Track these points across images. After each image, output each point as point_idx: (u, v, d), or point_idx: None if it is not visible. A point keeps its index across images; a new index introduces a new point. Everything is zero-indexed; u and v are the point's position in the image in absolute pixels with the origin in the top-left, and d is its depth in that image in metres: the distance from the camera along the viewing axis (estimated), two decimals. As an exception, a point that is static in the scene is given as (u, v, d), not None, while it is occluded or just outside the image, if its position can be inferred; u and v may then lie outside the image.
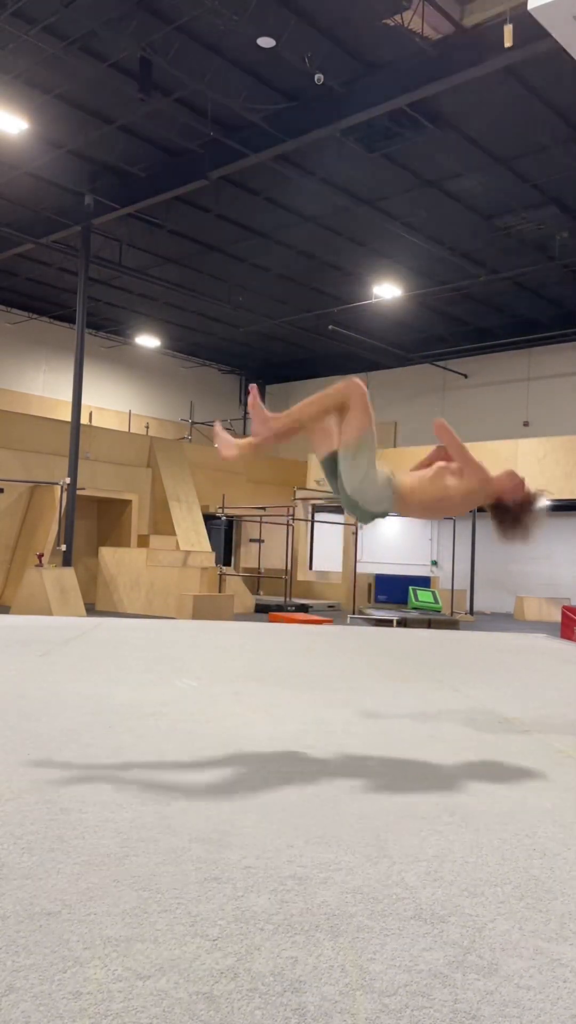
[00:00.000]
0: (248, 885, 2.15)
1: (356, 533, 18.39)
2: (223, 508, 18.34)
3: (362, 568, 19.14)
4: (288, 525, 18.45)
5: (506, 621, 16.92)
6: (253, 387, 3.63)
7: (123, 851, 2.36)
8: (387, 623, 13.91)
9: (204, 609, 13.27)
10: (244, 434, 18.43)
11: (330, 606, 17.69)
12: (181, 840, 2.46)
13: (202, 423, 24.49)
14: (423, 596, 16.10)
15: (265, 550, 20.57)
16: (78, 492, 14.62)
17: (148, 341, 22.28)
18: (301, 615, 14.54)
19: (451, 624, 14.67)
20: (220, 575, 16.43)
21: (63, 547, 13.91)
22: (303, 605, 16.60)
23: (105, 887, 2.11)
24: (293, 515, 18.41)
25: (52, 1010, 1.54)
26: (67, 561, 13.77)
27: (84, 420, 16.55)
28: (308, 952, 1.80)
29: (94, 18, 9.60)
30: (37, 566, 12.84)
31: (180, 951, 1.78)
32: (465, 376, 22.47)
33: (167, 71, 10.51)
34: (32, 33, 9.93)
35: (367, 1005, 1.60)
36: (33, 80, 11.12)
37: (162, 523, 17.93)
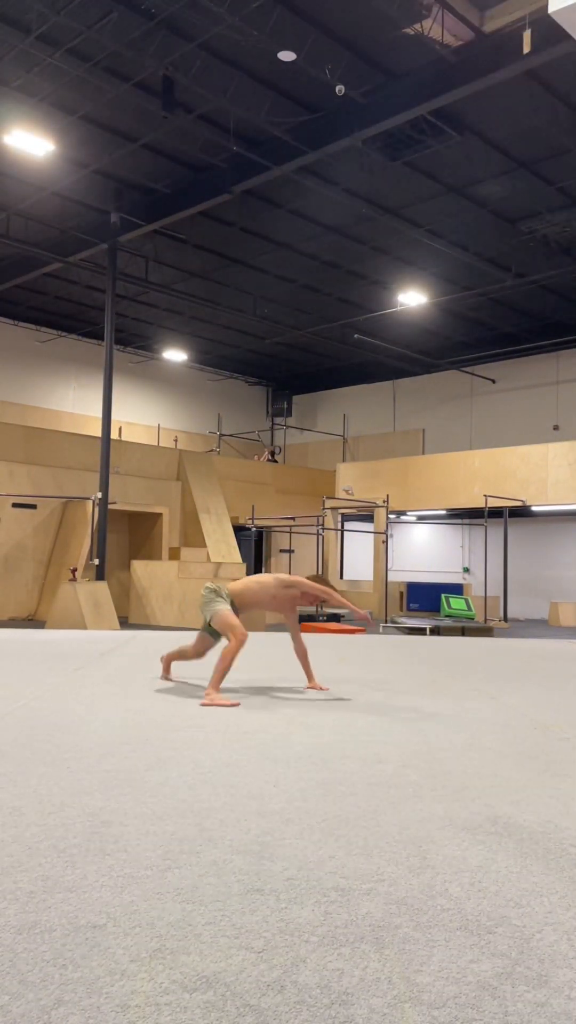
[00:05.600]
0: (291, 897, 2.14)
1: (387, 542, 18.32)
2: (253, 519, 18.38)
3: (393, 576, 19.06)
4: (318, 535, 18.43)
5: (541, 627, 16.74)
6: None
7: (165, 863, 2.36)
8: (420, 631, 13.82)
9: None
10: (273, 442, 18.62)
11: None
12: (222, 852, 2.46)
13: (230, 435, 24.58)
14: (456, 603, 15.97)
15: (296, 560, 20.57)
16: (109, 506, 14.73)
17: (175, 355, 22.43)
18: (333, 624, 14.49)
19: (485, 631, 14.54)
20: (251, 586, 16.41)
21: (96, 561, 14.01)
22: (335, 615, 16.55)
23: (148, 899, 2.11)
24: (323, 525, 18.39)
25: (101, 1023, 1.54)
26: (100, 575, 13.86)
27: (114, 435, 16.70)
28: (354, 964, 1.79)
29: (117, 39, 9.73)
30: (71, 581, 12.95)
31: (226, 963, 1.78)
32: (493, 381, 22.33)
33: (189, 88, 10.61)
34: (56, 56, 10.09)
35: (416, 1018, 1.58)
36: (58, 102, 11.29)
37: (193, 535, 17.99)
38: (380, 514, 18.77)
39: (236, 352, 23.30)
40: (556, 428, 20.65)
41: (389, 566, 18.37)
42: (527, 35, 8.55)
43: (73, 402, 21.64)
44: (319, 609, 16.89)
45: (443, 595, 16.24)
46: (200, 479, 18.67)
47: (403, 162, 12.34)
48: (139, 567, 15.56)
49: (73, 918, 1.99)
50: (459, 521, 22.90)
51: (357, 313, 19.09)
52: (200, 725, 4.38)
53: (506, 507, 17.28)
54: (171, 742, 3.95)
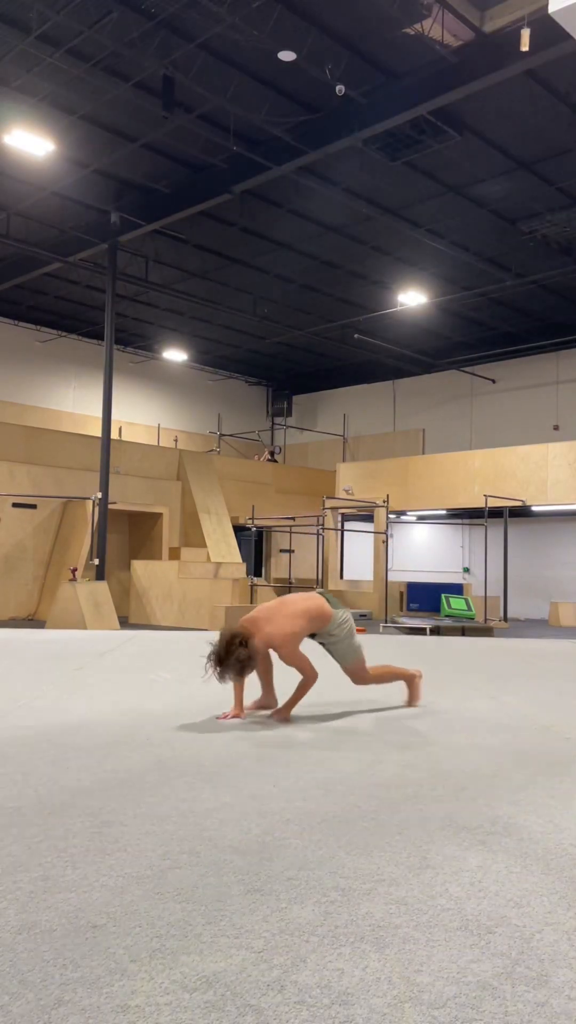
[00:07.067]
0: (291, 897, 2.14)
1: (387, 542, 18.31)
2: (253, 519, 18.38)
3: (393, 576, 19.04)
4: (318, 535, 18.43)
5: (541, 627, 16.73)
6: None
7: (165, 863, 2.37)
8: (420, 631, 13.82)
9: (236, 620, 13.26)
10: (273, 442, 18.58)
11: (362, 615, 17.61)
12: (223, 852, 2.46)
13: (230, 435, 24.58)
14: (456, 603, 15.96)
15: (296, 560, 20.55)
16: (109, 506, 14.73)
17: (175, 355, 22.41)
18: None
19: (485, 631, 14.53)
20: (251, 586, 16.44)
21: (96, 561, 14.01)
22: (335, 615, 16.52)
23: (149, 899, 2.11)
24: (323, 524, 18.39)
25: (101, 1023, 1.54)
26: (100, 575, 13.86)
27: (114, 435, 16.69)
28: (354, 964, 1.79)
29: (117, 39, 9.73)
30: (71, 580, 12.94)
31: (226, 963, 1.78)
32: (493, 381, 22.31)
33: (189, 88, 10.61)
34: (56, 56, 10.09)
35: (416, 1018, 1.58)
36: (58, 102, 11.28)
37: (193, 535, 17.99)
38: (380, 514, 18.77)
39: (236, 352, 23.30)
40: (556, 428, 20.65)
41: (389, 566, 18.36)
42: (525, 33, 8.55)
43: (73, 402, 21.63)
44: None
45: (443, 595, 16.23)
46: (200, 479, 18.67)
47: (403, 162, 12.33)
48: (139, 567, 15.56)
49: (73, 918, 2.00)
50: (459, 521, 22.90)
51: (357, 313, 19.09)
52: (201, 725, 4.38)
53: (506, 507, 17.27)
54: (172, 742, 3.96)
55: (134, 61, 10.17)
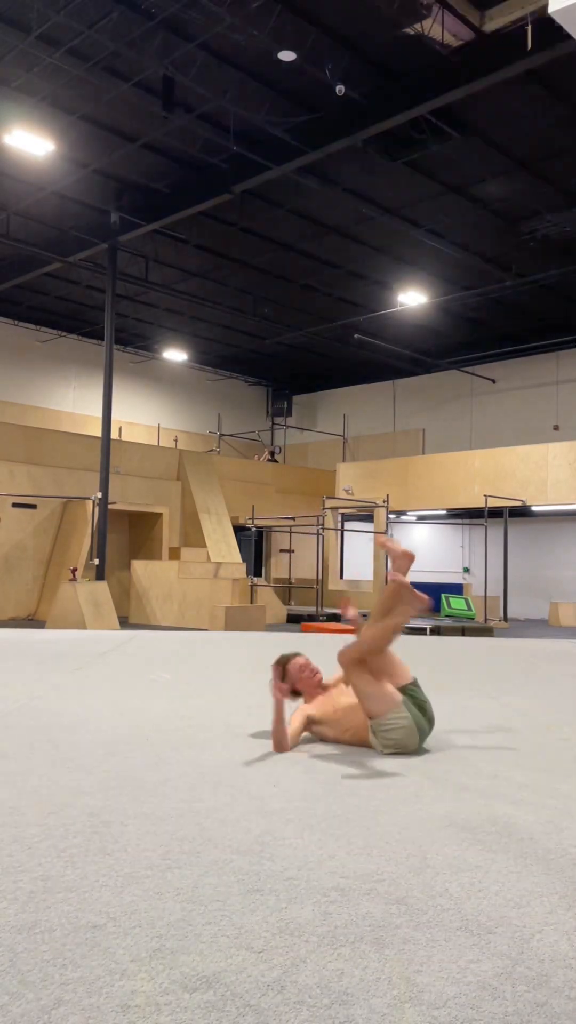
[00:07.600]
0: (291, 897, 2.14)
1: (387, 541, 18.30)
2: (253, 519, 18.38)
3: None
4: (318, 535, 18.42)
5: (541, 627, 16.73)
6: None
7: (165, 863, 2.36)
8: (420, 631, 13.82)
9: (236, 620, 13.28)
10: (273, 442, 18.67)
11: (363, 615, 17.59)
12: (222, 852, 2.46)
13: (230, 435, 24.58)
14: (456, 603, 15.97)
15: (296, 560, 20.54)
16: (109, 506, 14.73)
17: (175, 355, 22.42)
18: (334, 625, 14.48)
19: (485, 631, 14.53)
20: (251, 586, 16.44)
21: (96, 561, 14.01)
22: (335, 615, 16.54)
23: (148, 899, 2.11)
24: (323, 524, 18.39)
25: (101, 1023, 1.54)
26: (100, 575, 13.86)
27: (114, 435, 16.69)
28: (354, 964, 1.79)
29: (117, 39, 9.72)
30: (71, 580, 12.94)
31: (226, 963, 1.78)
32: (493, 381, 22.31)
33: (190, 88, 10.60)
34: (56, 56, 10.08)
35: (416, 1018, 1.58)
36: (58, 102, 11.28)
37: (193, 535, 17.99)
38: (380, 514, 18.77)
39: (236, 352, 23.29)
40: (556, 428, 20.65)
41: (389, 566, 18.34)
42: (530, 31, 8.56)
43: (73, 402, 21.63)
44: (319, 609, 16.89)
45: (443, 595, 16.24)
46: (200, 479, 18.66)
47: (403, 162, 12.33)
48: (139, 567, 15.56)
49: (73, 918, 1.99)
50: (459, 521, 22.90)
51: (357, 313, 19.08)
52: (200, 725, 4.38)
53: (506, 507, 17.28)
54: (171, 742, 3.95)
55: (134, 61, 10.17)
